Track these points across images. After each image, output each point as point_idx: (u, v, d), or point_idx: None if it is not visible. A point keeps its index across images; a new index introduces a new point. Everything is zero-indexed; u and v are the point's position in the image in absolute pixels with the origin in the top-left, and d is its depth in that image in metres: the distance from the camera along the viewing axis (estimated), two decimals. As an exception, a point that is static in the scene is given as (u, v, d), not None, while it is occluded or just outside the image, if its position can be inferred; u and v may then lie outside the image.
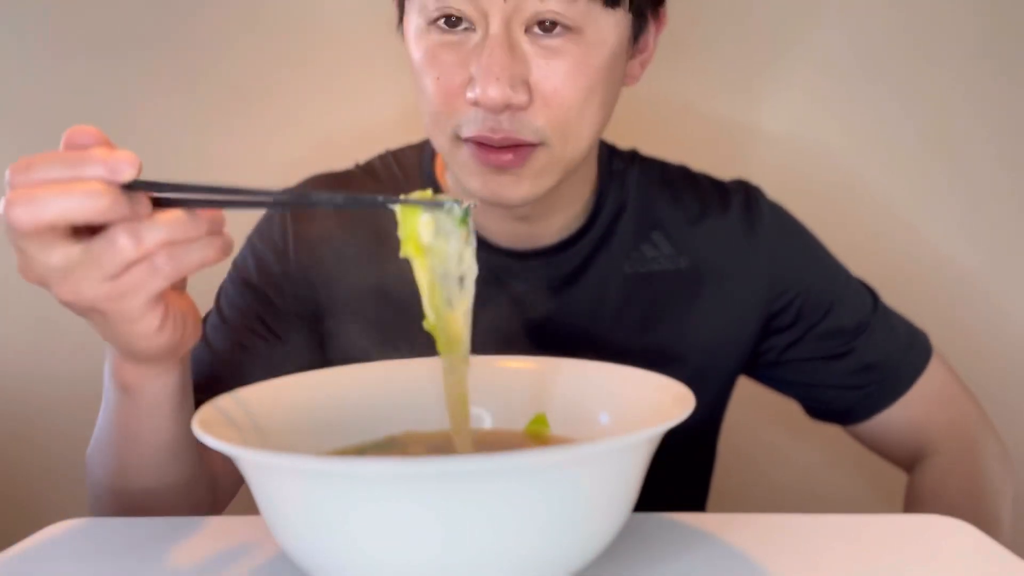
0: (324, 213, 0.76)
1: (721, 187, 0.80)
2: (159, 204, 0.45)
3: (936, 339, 0.82)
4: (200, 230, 0.45)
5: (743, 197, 0.79)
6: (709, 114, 1.15)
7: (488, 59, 0.60)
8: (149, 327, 0.47)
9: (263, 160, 1.16)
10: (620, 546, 0.48)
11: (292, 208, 0.73)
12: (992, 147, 1.14)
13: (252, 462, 0.39)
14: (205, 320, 0.74)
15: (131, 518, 0.56)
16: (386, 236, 0.74)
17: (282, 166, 1.14)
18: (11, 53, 1.15)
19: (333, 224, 0.75)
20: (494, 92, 0.60)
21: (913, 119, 1.14)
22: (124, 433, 0.57)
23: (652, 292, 0.76)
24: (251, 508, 0.44)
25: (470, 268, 0.47)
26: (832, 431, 0.85)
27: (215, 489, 0.67)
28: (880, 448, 0.82)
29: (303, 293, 0.74)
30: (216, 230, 0.45)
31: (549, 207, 0.72)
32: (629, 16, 0.65)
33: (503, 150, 0.63)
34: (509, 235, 0.74)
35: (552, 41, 0.62)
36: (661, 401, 0.47)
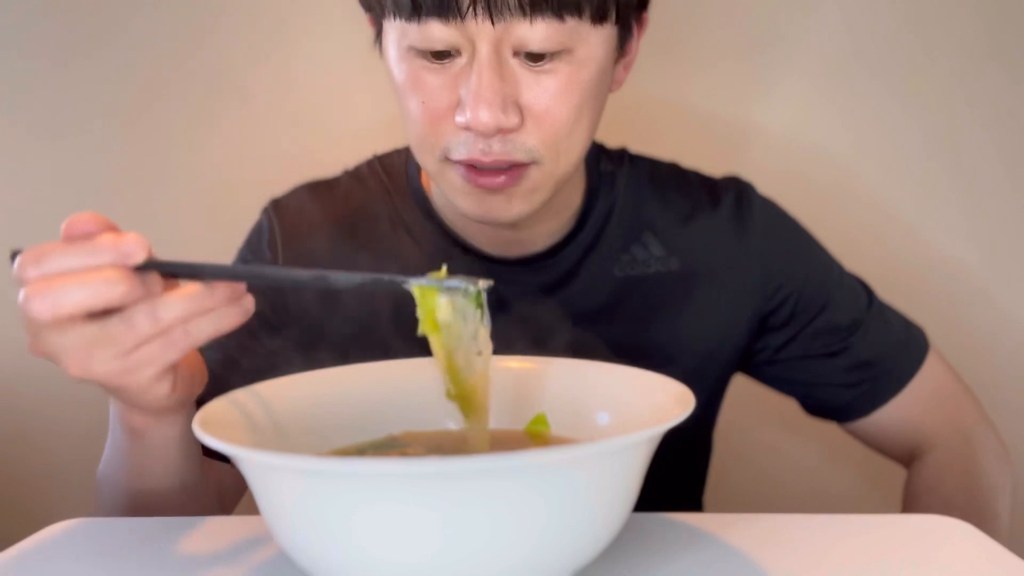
0: (315, 227, 0.75)
1: (712, 184, 0.80)
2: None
3: (936, 338, 0.82)
4: (216, 301, 0.45)
5: (734, 194, 0.78)
6: (707, 114, 1.15)
7: (477, 84, 0.58)
8: (159, 393, 0.48)
9: (252, 159, 1.16)
10: (620, 546, 0.49)
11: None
12: (992, 146, 1.14)
13: (252, 462, 0.39)
14: None
15: (130, 518, 0.56)
16: (377, 247, 0.74)
17: (272, 165, 1.15)
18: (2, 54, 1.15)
19: (323, 238, 0.75)
20: (485, 117, 0.58)
21: (912, 118, 1.14)
22: (132, 468, 0.58)
23: (643, 294, 0.75)
24: (251, 508, 0.44)
25: (486, 345, 0.48)
26: (832, 431, 0.85)
27: (223, 500, 0.68)
28: (877, 445, 0.82)
29: (295, 308, 0.74)
30: (235, 298, 0.46)
31: (538, 216, 0.71)
32: (616, 28, 0.63)
33: (495, 173, 0.62)
34: (497, 243, 0.74)
35: (542, 64, 0.60)
36: (661, 401, 0.46)
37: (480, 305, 0.47)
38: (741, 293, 0.77)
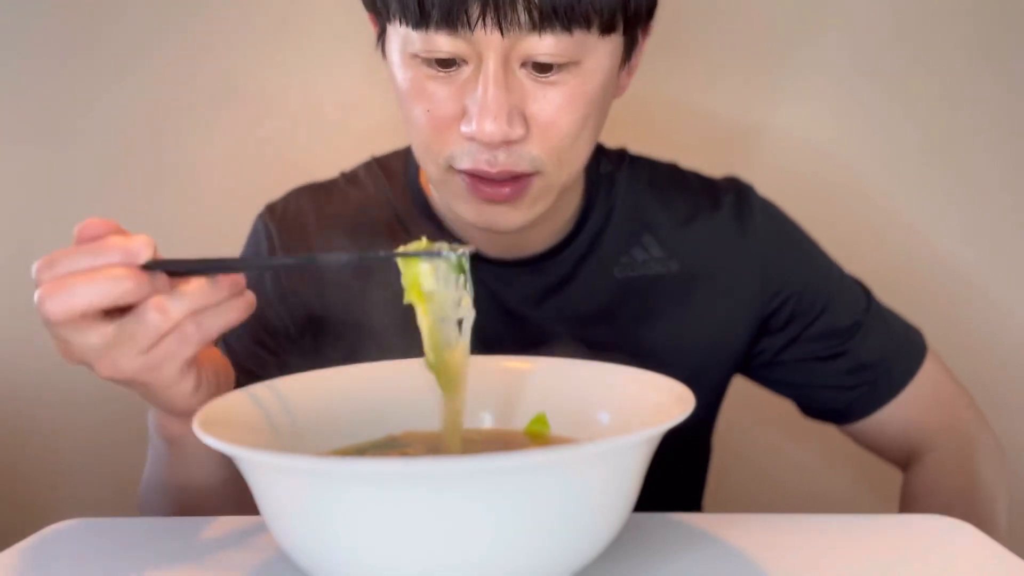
0: (312, 231, 0.75)
1: (711, 186, 0.79)
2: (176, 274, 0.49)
3: (935, 339, 0.82)
4: (221, 295, 0.48)
5: (734, 196, 0.78)
6: (709, 115, 1.15)
7: (484, 96, 0.58)
8: (186, 389, 0.51)
9: (251, 160, 1.17)
10: (620, 546, 0.49)
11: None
12: (991, 147, 1.14)
13: (252, 462, 0.39)
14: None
15: (131, 518, 0.56)
16: (374, 242, 0.74)
17: (271, 166, 1.15)
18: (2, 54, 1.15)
19: (322, 239, 0.75)
20: (492, 129, 0.58)
21: (913, 120, 1.14)
22: (174, 481, 0.62)
23: (643, 296, 0.75)
24: (251, 508, 0.44)
25: (468, 312, 0.49)
26: (831, 431, 0.85)
27: None
28: (876, 447, 0.82)
29: (297, 310, 0.74)
30: (237, 291, 0.49)
31: (538, 219, 0.71)
32: (623, 38, 0.63)
33: (500, 184, 0.62)
34: (497, 245, 0.73)
35: (549, 75, 0.60)
36: (661, 401, 0.46)
37: (463, 271, 0.48)
38: (741, 295, 0.77)
